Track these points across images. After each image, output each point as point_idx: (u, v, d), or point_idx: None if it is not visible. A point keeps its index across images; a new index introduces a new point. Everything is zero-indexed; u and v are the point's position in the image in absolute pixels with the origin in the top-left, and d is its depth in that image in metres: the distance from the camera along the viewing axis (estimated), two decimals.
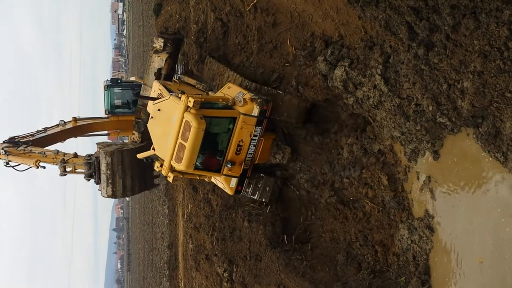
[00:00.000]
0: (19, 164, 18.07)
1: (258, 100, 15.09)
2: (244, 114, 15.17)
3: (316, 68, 14.58)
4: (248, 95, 15.20)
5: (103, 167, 15.23)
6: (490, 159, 10.47)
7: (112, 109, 22.61)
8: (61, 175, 16.35)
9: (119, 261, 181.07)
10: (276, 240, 16.99)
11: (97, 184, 16.01)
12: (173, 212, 31.75)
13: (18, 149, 17.50)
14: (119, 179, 15.51)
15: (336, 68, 13.64)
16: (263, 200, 17.17)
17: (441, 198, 12.04)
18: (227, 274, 19.13)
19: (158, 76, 18.15)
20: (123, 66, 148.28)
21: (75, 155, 17.01)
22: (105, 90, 22.33)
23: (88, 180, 16.47)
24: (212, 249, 20.52)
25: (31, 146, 18.06)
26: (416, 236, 12.77)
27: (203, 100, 14.66)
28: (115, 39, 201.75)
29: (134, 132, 19.41)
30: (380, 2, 11.66)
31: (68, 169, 16.34)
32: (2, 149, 17.65)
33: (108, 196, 15.93)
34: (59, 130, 20.02)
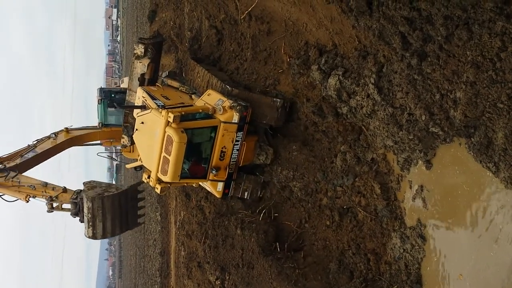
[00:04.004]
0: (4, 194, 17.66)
1: (237, 108, 15.43)
2: (225, 122, 15.53)
3: (310, 76, 14.64)
4: (227, 103, 15.55)
5: (85, 210, 15.63)
6: (482, 169, 10.52)
7: (105, 122, 22.54)
8: (48, 211, 16.43)
9: (110, 268, 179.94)
10: (268, 248, 16.96)
11: (81, 222, 16.24)
12: (165, 219, 31.62)
13: (7, 178, 16.92)
14: (99, 222, 15.78)
15: (330, 77, 13.70)
16: (246, 197, 17.72)
17: (434, 207, 12.07)
18: (219, 282, 19.05)
19: (142, 81, 18.36)
20: (117, 72, 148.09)
21: (64, 190, 16.79)
22: (98, 103, 22.17)
23: (74, 217, 16.58)
24: (204, 256, 20.45)
25: (19, 175, 17.24)
26: (408, 245, 12.78)
27: (183, 113, 15.07)
28: (109, 45, 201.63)
29: (123, 136, 19.71)
30: (374, 12, 11.73)
31: (55, 205, 16.37)
32: None
33: (89, 237, 16.22)
34: (51, 145, 19.32)
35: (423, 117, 11.33)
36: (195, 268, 21.81)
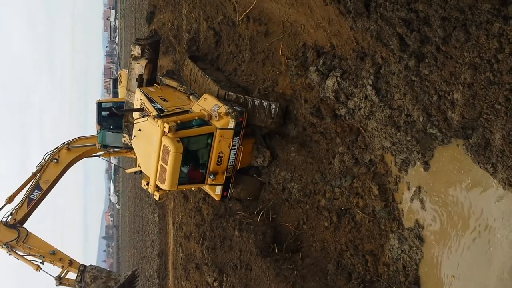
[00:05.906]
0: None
1: (233, 114, 15.45)
2: (221, 129, 15.56)
3: (308, 78, 14.64)
4: (222, 109, 15.59)
5: None
6: (480, 170, 10.53)
7: (104, 143, 22.59)
8: (56, 285, 18.85)
9: (108, 269, 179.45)
10: (266, 249, 16.94)
11: None
12: (163, 220, 31.57)
13: (18, 241, 18.30)
14: None
15: (328, 79, 13.70)
16: (241, 197, 17.90)
17: (431, 208, 12.07)
18: (217, 284, 19.03)
19: (140, 81, 18.42)
20: (115, 73, 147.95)
21: (70, 263, 18.80)
22: (98, 132, 22.13)
23: None
24: (202, 258, 20.43)
25: (29, 235, 18.59)
26: (406, 246, 12.78)
27: (178, 122, 15.07)
28: (107, 46, 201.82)
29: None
30: (372, 13, 11.75)
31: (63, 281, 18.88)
32: (5, 244, 18.34)
33: None
34: (55, 174, 19.68)
35: (421, 119, 11.34)
36: (193, 270, 21.77)
